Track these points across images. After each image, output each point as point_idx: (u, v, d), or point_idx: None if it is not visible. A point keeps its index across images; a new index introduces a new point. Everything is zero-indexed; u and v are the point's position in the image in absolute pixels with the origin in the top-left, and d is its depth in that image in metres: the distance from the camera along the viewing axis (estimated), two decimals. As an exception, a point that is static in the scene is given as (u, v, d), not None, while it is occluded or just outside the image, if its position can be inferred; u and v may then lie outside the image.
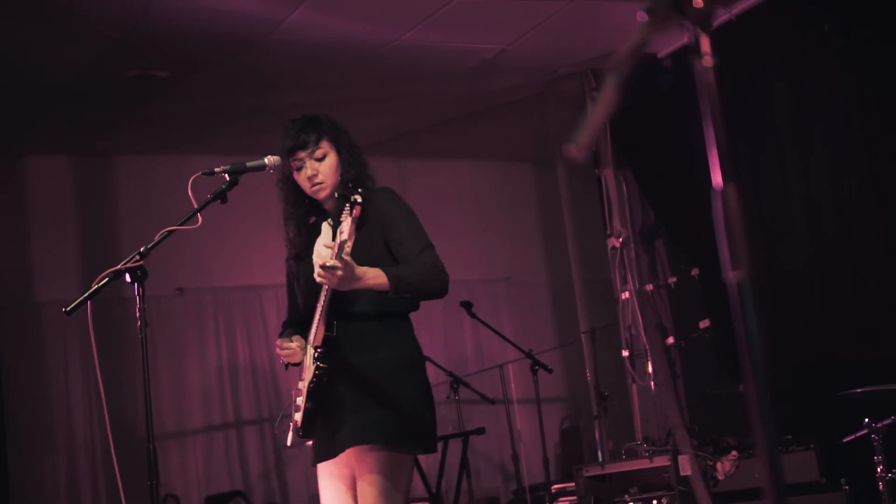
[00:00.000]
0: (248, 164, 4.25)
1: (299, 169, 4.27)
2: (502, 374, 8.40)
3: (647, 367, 8.03)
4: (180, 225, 4.10)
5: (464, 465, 7.48)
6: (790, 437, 6.50)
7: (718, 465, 6.63)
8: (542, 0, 7.24)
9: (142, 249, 4.00)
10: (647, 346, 8.08)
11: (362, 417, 4.06)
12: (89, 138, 8.95)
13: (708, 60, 1.84)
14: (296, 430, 4.30)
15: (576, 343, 9.09)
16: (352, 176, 4.25)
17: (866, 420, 5.42)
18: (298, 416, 4.27)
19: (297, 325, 4.42)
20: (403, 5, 7.03)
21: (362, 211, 3.74)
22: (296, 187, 4.33)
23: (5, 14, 6.61)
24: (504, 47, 7.98)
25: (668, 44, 7.84)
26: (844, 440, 5.66)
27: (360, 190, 3.73)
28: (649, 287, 8.42)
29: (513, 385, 8.48)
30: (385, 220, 4.13)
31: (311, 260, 4.20)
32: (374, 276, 3.91)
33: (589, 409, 8.18)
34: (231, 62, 7.66)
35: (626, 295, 8.38)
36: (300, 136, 4.25)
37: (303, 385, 4.25)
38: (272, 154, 4.34)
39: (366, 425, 4.04)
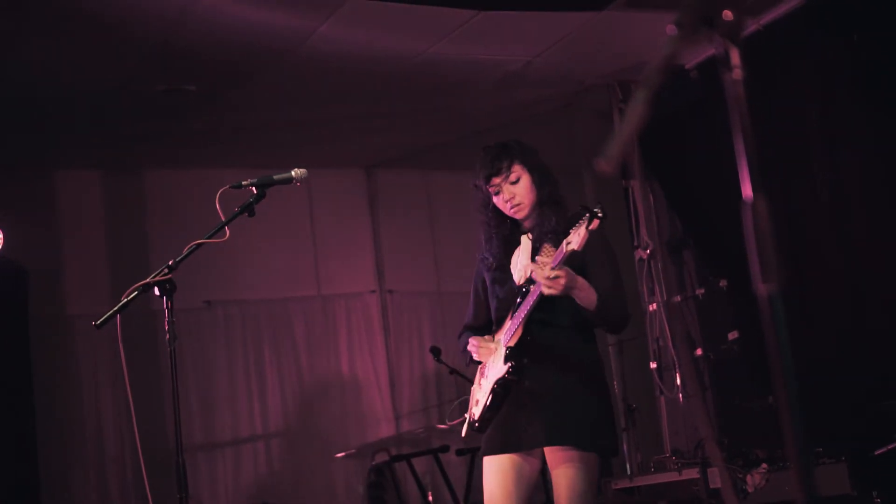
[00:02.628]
0: (276, 177, 4.32)
1: (497, 193, 4.60)
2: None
3: (676, 378, 8.00)
4: (208, 238, 4.13)
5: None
6: (821, 449, 6.46)
7: (748, 478, 6.59)
8: (568, 12, 7.23)
9: (170, 263, 4.04)
10: (676, 358, 8.05)
11: (557, 419, 4.37)
12: (119, 152, 9.00)
13: (738, 73, 1.84)
14: (471, 424, 4.65)
15: (603, 355, 9.07)
16: (545, 195, 4.60)
17: (897, 433, 5.39)
18: (477, 411, 4.61)
19: (477, 329, 4.83)
20: (430, 18, 7.03)
21: (564, 233, 4.19)
22: (496, 211, 4.66)
23: (35, 29, 6.65)
24: (531, 59, 7.97)
25: (695, 55, 7.82)
26: (876, 452, 5.62)
27: (601, 204, 4.08)
28: (677, 298, 8.39)
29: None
30: (589, 242, 4.25)
31: (509, 270, 4.62)
32: (587, 291, 4.32)
33: (617, 421, 8.14)
34: (259, 76, 7.69)
35: (653, 307, 8.35)
36: (494, 163, 4.58)
37: (486, 382, 4.58)
38: (299, 167, 4.40)
39: (562, 427, 4.37)
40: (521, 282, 4.54)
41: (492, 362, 4.59)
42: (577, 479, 4.35)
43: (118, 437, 8.89)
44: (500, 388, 4.48)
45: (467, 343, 4.70)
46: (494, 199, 4.62)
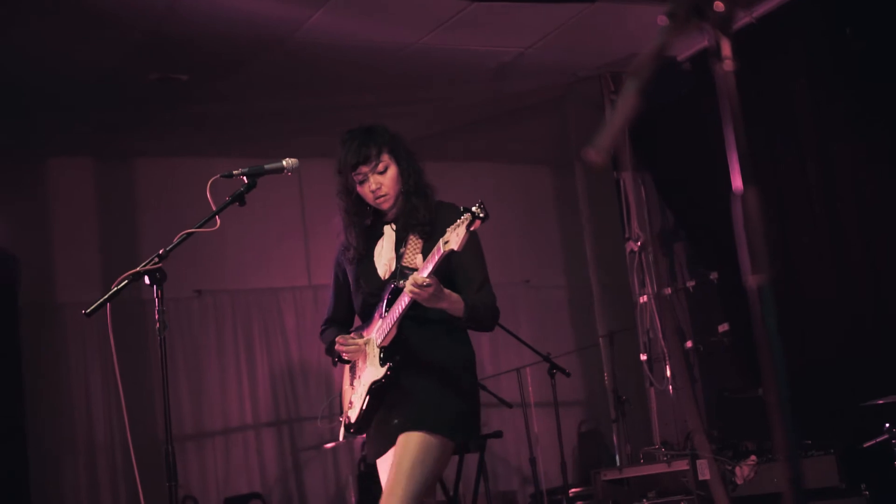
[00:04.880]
0: (266, 166, 4.30)
1: (362, 182, 4.41)
2: (520, 378, 8.39)
3: (666, 370, 8.02)
4: (199, 227, 4.11)
5: (481, 468, 7.46)
6: (810, 441, 6.48)
7: (737, 470, 6.61)
8: (561, 3, 7.23)
9: (161, 252, 4.02)
10: (666, 350, 8.06)
11: (419, 409, 4.23)
12: (111, 140, 8.98)
13: (729, 65, 1.83)
14: (347, 427, 4.50)
15: (594, 347, 9.07)
16: (411, 185, 4.43)
17: (887, 425, 5.40)
18: (353, 414, 4.45)
19: (340, 323, 4.69)
20: (423, 8, 7.03)
21: (430, 224, 4.17)
22: (358, 199, 4.48)
23: (30, 16, 6.64)
24: (523, 50, 7.97)
25: (687, 47, 7.83)
26: (865, 445, 5.64)
27: (482, 203, 3.89)
28: (668, 291, 8.39)
29: (530, 388, 8.45)
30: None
31: (372, 262, 4.45)
32: (454, 302, 4.17)
33: (607, 412, 8.16)
34: (251, 65, 7.68)
35: (644, 299, 8.37)
36: (361, 150, 4.40)
37: (360, 385, 4.44)
38: (291, 157, 4.38)
39: (418, 414, 4.22)
40: (387, 275, 4.40)
41: (364, 363, 4.45)
42: (411, 451, 4.16)
43: (108, 426, 8.88)
44: (378, 391, 4.32)
45: (332, 342, 4.54)
46: (358, 188, 4.44)
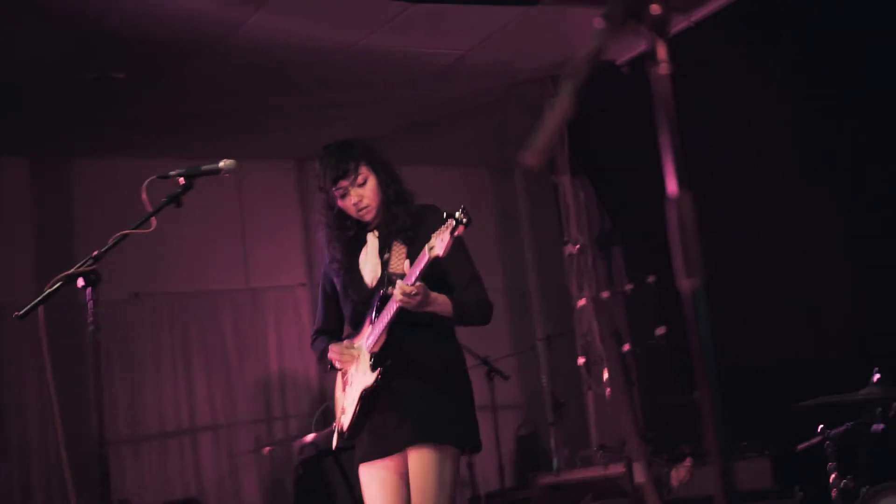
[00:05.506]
0: (203, 167, 4.26)
1: (343, 196, 4.51)
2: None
3: (603, 374, 8.05)
4: (134, 229, 4.07)
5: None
6: (745, 443, 6.53)
7: (673, 473, 6.65)
8: (501, 6, 7.23)
9: (95, 253, 3.98)
10: (603, 353, 8.10)
11: (420, 419, 4.34)
12: (47, 139, 8.87)
13: (664, 68, 1.84)
14: (340, 433, 4.61)
15: (532, 349, 9.10)
16: (391, 194, 4.53)
17: (821, 427, 5.45)
18: (346, 419, 4.55)
19: (331, 333, 4.78)
20: (363, 9, 7.01)
21: (413, 229, 4.30)
22: (340, 213, 4.57)
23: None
24: (463, 53, 7.97)
25: (626, 51, 7.86)
26: (799, 447, 5.69)
27: (464, 207, 3.99)
28: (606, 294, 8.44)
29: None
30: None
31: (358, 271, 4.56)
32: (442, 304, 4.29)
33: (545, 416, 8.18)
34: (190, 65, 7.62)
35: (582, 302, 8.40)
36: (340, 165, 4.49)
37: (352, 390, 4.52)
38: (230, 158, 4.36)
39: (424, 426, 4.33)
40: (374, 283, 4.50)
41: (356, 369, 4.53)
42: (430, 471, 4.30)
43: (41, 431, 8.75)
44: (370, 396, 4.42)
45: (324, 350, 4.63)
46: (340, 202, 4.53)
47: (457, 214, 3.96)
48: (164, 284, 9.53)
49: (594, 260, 8.48)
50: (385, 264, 4.48)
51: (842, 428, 5.40)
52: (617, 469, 6.80)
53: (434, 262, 4.07)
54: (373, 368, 4.37)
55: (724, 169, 7.46)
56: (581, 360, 8.37)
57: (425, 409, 4.36)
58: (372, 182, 4.50)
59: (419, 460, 4.30)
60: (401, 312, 4.24)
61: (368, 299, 4.48)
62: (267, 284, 10.08)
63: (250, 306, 9.92)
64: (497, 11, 7.30)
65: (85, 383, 7.97)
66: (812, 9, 6.81)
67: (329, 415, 4.73)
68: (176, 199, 4.16)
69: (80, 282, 3.95)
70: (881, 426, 5.27)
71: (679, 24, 7.49)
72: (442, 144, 10.22)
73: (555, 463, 7.96)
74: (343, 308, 4.69)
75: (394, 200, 4.52)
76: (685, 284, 1.76)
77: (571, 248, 8.50)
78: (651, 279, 8.12)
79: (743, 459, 6.35)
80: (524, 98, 8.79)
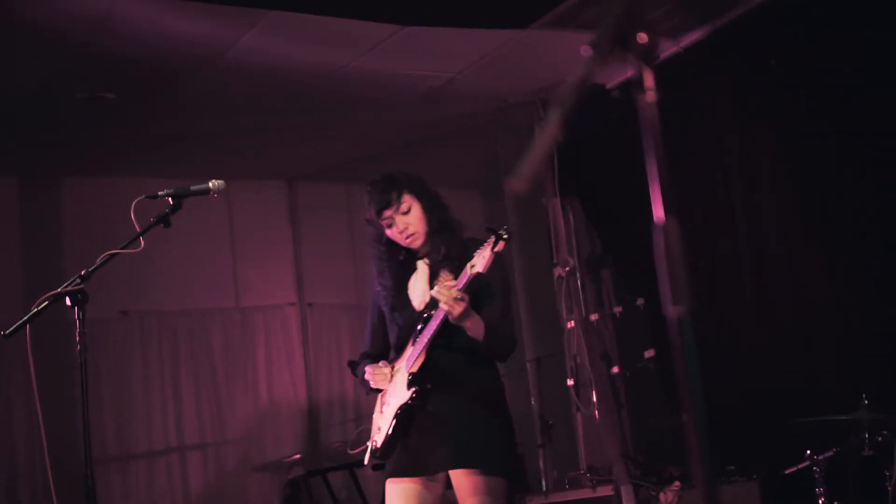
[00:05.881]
0: (192, 188, 4.28)
1: (390, 226, 4.62)
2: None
3: (592, 396, 8.05)
4: (122, 249, 4.08)
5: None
6: (733, 467, 6.52)
7: (661, 496, 6.63)
8: (492, 29, 7.26)
9: (83, 273, 3.98)
10: (592, 376, 8.10)
11: (463, 442, 4.43)
12: (36, 159, 8.87)
13: (651, 96, 1.85)
14: (374, 452, 4.68)
15: (521, 371, 9.08)
16: (436, 221, 4.65)
17: (808, 452, 5.46)
18: (380, 438, 4.63)
19: (375, 357, 4.84)
20: (353, 31, 7.02)
21: (461, 260, 4.31)
22: (389, 244, 4.70)
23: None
24: (454, 75, 7.99)
25: (616, 74, 7.89)
26: (786, 471, 5.69)
27: (506, 227, 4.16)
28: (595, 316, 8.45)
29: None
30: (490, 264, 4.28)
31: (407, 296, 4.66)
32: (476, 323, 4.36)
33: (533, 437, 8.17)
34: (180, 85, 7.62)
35: (571, 324, 8.40)
36: (384, 196, 4.61)
37: (388, 409, 4.61)
38: (221, 178, 4.39)
39: (468, 450, 4.42)
40: (422, 307, 4.58)
41: (392, 389, 4.62)
42: (489, 500, 4.37)
43: (29, 450, 8.72)
44: (404, 414, 4.49)
45: (364, 373, 4.72)
46: (388, 232, 4.64)
47: (499, 231, 4.10)
48: (154, 303, 9.52)
49: (583, 282, 8.49)
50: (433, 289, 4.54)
51: (829, 452, 5.41)
52: (605, 491, 6.79)
53: (475, 282, 4.19)
54: (409, 386, 4.46)
55: (712, 193, 7.48)
56: (570, 382, 8.36)
57: (468, 435, 4.43)
58: (417, 210, 4.60)
59: (471, 487, 4.39)
60: (443, 332, 4.35)
61: (414, 323, 4.57)
62: (256, 303, 10.07)
63: (240, 325, 9.91)
64: (487, 35, 7.33)
65: (72, 402, 7.95)
66: (799, 36, 6.84)
67: (366, 435, 4.83)
68: (164, 220, 4.17)
69: (68, 301, 3.96)
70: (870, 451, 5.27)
71: (668, 49, 7.53)
72: (432, 166, 10.13)
73: (543, 484, 7.94)
74: (389, 332, 4.79)
75: (440, 228, 4.63)
76: (672, 311, 1.76)
77: (561, 271, 8.51)
78: (640, 302, 8.12)
79: (730, 483, 6.34)
80: (514, 121, 8.81)
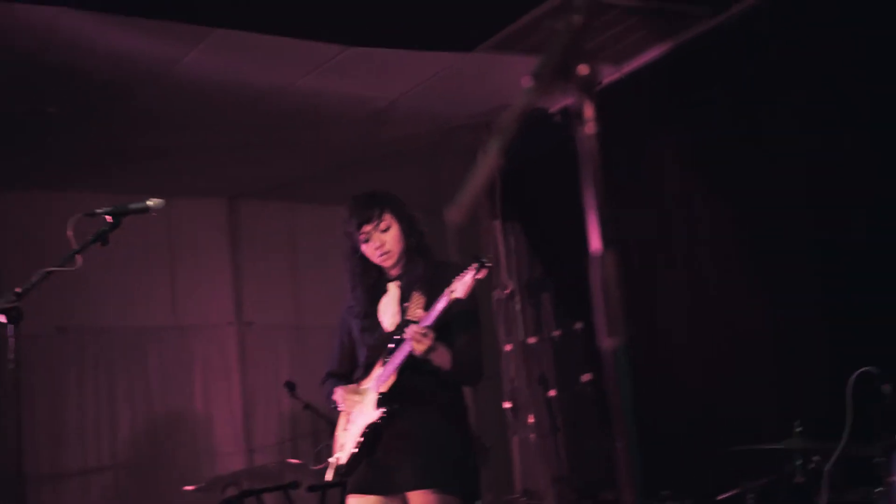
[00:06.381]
0: (131, 206, 4.27)
1: (366, 241, 4.72)
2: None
3: (529, 419, 8.06)
4: (59, 267, 4.05)
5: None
6: (668, 492, 6.55)
7: (597, 520, 6.66)
8: (437, 51, 7.27)
9: (18, 290, 3.94)
10: (529, 399, 8.11)
11: (424, 463, 4.53)
12: (-27, 172, 8.76)
13: (591, 127, 1.86)
14: (338, 468, 4.76)
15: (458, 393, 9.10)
16: (413, 244, 4.77)
17: (742, 479, 5.50)
18: (344, 455, 4.72)
19: (341, 376, 4.94)
20: (298, 50, 7.00)
21: (432, 280, 4.47)
22: (363, 258, 4.78)
23: None
24: (398, 97, 7.99)
25: (560, 99, 7.92)
26: (719, 497, 5.73)
27: (489, 255, 4.39)
28: (533, 340, 8.47)
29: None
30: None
31: (377, 317, 4.76)
32: (442, 354, 4.49)
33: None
34: (123, 101, 7.56)
35: (509, 347, 8.42)
36: (365, 211, 4.74)
37: (354, 427, 4.69)
38: (161, 194, 4.38)
39: (428, 471, 4.52)
40: (392, 328, 4.66)
41: (359, 407, 4.68)
42: None
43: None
44: (372, 433, 4.59)
45: (332, 392, 4.80)
46: (363, 247, 4.72)
47: (481, 259, 4.29)
48: (90, 319, 9.41)
49: (523, 305, 8.51)
50: (404, 311, 4.65)
51: (762, 480, 5.46)
52: (540, 515, 6.81)
53: (451, 308, 4.31)
54: (378, 406, 4.54)
55: (651, 221, 7.52)
56: (507, 405, 8.36)
57: (430, 456, 4.52)
58: (395, 230, 4.71)
59: (425, 501, 4.47)
60: (412, 357, 4.44)
61: (383, 344, 4.65)
62: (195, 322, 9.99)
63: (177, 343, 9.82)
64: (432, 57, 7.34)
65: (4, 419, 7.84)
66: (741, 66, 6.90)
67: (328, 451, 4.90)
68: (102, 238, 4.15)
69: (2, 318, 3.92)
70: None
71: (610, 75, 7.58)
72: (375, 186, 10.18)
73: (479, 507, 7.94)
74: (358, 352, 4.87)
75: (415, 251, 4.74)
76: (607, 343, 1.78)
77: (500, 293, 8.53)
78: (578, 326, 8.14)
79: (664, 508, 6.38)
80: (458, 143, 8.81)
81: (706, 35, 7.08)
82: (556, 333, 8.43)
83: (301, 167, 9.41)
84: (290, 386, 7.47)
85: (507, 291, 8.42)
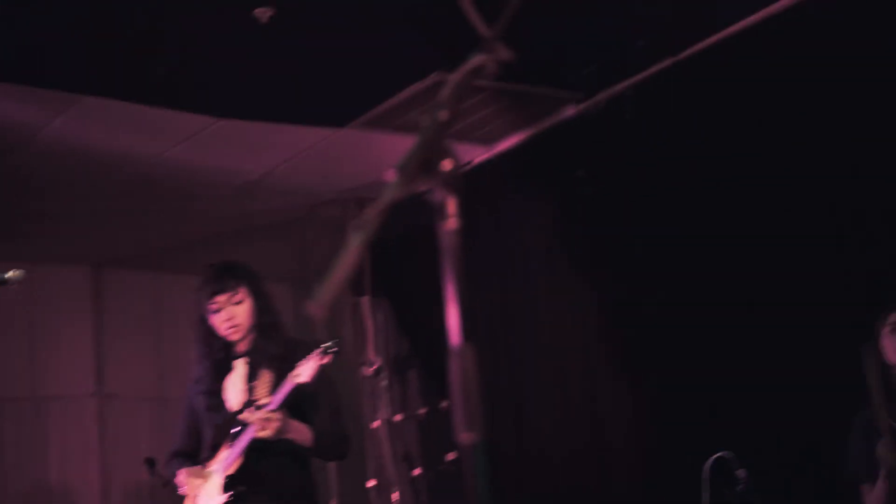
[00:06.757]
0: (-11, 277, 4.18)
1: (216, 312, 4.60)
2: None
3: (393, 497, 8.00)
4: None
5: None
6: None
7: None
8: (307, 126, 7.28)
9: None
10: (394, 477, 8.06)
11: None
12: None
13: (453, 223, 1.87)
14: None
15: (322, 470, 9.01)
16: (265, 320, 4.65)
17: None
18: None
19: (187, 455, 4.81)
20: (167, 121, 6.94)
21: (283, 360, 4.38)
22: (211, 330, 4.66)
23: None
24: (268, 170, 7.97)
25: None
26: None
27: (338, 340, 4.29)
28: (399, 417, 8.44)
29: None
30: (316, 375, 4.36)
31: (223, 395, 4.63)
32: (300, 432, 4.44)
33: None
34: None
35: (375, 424, 8.38)
36: (220, 281, 4.63)
37: None
38: (23, 258, 4.32)
39: None
40: (237, 408, 4.55)
41: (205, 490, 4.57)
42: None
43: None
44: None
45: (174, 474, 4.68)
46: (212, 318, 4.63)
47: (326, 344, 4.20)
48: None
49: (389, 382, 8.49)
50: (251, 391, 4.54)
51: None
52: None
53: (299, 390, 4.24)
54: (224, 490, 4.43)
55: (518, 302, 7.57)
56: (371, 483, 8.31)
57: None
58: (248, 304, 4.60)
59: None
60: (259, 439, 4.34)
61: (229, 424, 4.53)
62: (53, 393, 9.74)
63: (34, 415, 9.56)
64: (303, 132, 7.35)
65: None
66: (606, 149, 7.02)
67: None
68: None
69: None
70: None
71: (480, 155, 7.66)
72: (244, 257, 10.08)
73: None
74: (203, 431, 4.74)
75: (266, 328, 4.63)
76: (463, 438, 1.77)
77: (367, 370, 8.50)
78: (445, 404, 8.14)
79: None
80: (327, 217, 8.82)
81: (574, 119, 7.19)
82: (422, 411, 8.42)
83: (169, 237, 9.30)
84: (150, 462, 7.30)
85: (374, 368, 8.39)
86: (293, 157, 7.76)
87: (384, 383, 8.41)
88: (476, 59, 1.87)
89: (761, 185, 6.10)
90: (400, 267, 8.50)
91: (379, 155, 7.58)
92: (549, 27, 5.91)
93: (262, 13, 5.69)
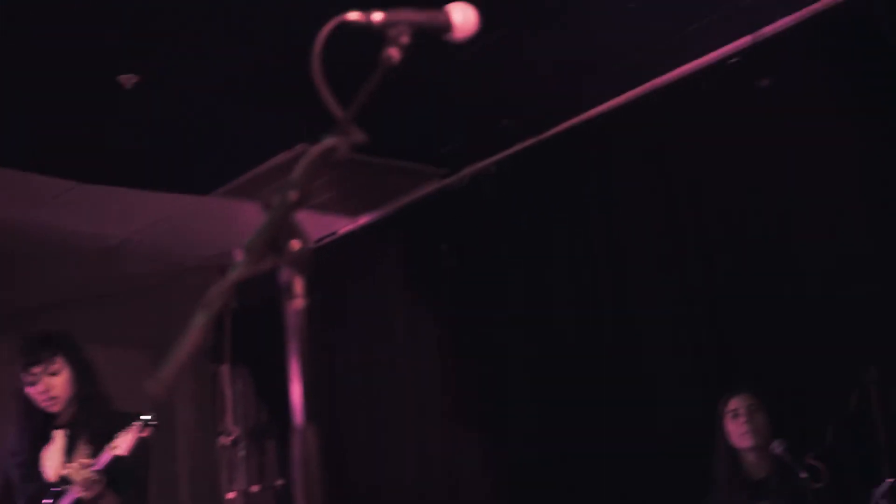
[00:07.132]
0: None
1: (33, 383, 4.44)
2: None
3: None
4: None
5: None
6: None
7: None
8: (170, 193, 7.22)
9: None
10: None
11: None
12: None
13: (300, 303, 1.88)
14: None
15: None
16: (84, 391, 4.52)
17: None
18: None
19: None
20: (25, 183, 6.82)
21: (103, 432, 4.24)
22: (29, 401, 4.50)
23: None
24: (130, 235, 7.87)
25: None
26: None
27: (154, 414, 4.17)
28: (256, 488, 8.33)
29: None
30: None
31: (40, 467, 4.48)
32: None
33: None
34: None
35: (232, 495, 8.25)
36: (35, 352, 4.47)
37: None
38: None
39: None
40: (55, 479, 4.45)
41: None
42: None
43: None
44: None
45: None
46: (29, 389, 4.49)
47: (145, 417, 4.11)
48: None
49: (247, 452, 8.38)
50: (68, 463, 4.41)
51: None
52: None
53: (115, 462, 4.15)
54: None
55: (375, 382, 7.55)
56: (226, 555, 8.19)
57: None
58: (65, 375, 4.47)
59: None
60: (79, 501, 4.23)
61: (44, 495, 4.40)
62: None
63: None
64: (166, 198, 7.29)
65: None
66: (470, 223, 7.09)
67: None
68: None
69: None
70: None
71: (345, 226, 7.68)
72: (104, 322, 9.92)
73: None
74: (17, 501, 4.58)
75: (86, 398, 4.51)
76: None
77: (224, 439, 8.38)
78: (280, 482, 8.09)
79: None
80: (190, 284, 8.72)
81: (438, 193, 7.26)
82: (280, 482, 8.32)
83: (26, 300, 9.07)
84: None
85: (232, 438, 8.28)
86: (157, 222, 7.69)
87: (242, 453, 8.30)
88: (329, 141, 1.90)
89: (620, 264, 6.22)
90: (261, 335, 8.42)
91: (244, 223, 7.55)
92: (414, 103, 5.99)
93: (128, 79, 5.65)
